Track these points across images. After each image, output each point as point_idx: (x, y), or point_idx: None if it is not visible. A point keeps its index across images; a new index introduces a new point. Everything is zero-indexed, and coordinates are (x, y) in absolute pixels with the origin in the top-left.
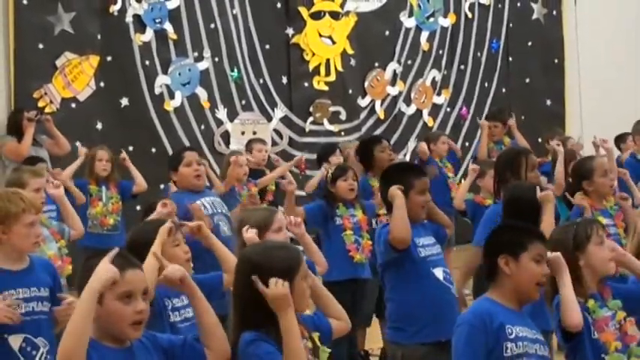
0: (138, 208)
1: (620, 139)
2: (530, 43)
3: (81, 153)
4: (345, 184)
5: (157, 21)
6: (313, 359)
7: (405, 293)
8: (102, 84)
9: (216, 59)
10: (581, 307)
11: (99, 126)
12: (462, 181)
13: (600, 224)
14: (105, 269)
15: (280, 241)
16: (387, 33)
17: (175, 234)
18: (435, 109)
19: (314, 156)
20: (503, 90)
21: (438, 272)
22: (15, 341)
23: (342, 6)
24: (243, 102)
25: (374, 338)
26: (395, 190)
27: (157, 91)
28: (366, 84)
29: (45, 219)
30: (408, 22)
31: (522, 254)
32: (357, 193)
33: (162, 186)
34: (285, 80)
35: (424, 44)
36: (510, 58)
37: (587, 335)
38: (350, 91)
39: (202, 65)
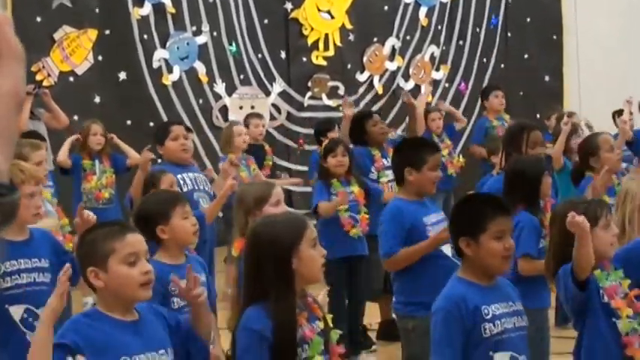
0: None
1: (618, 114)
2: (528, 19)
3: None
4: (334, 161)
5: None
6: (321, 340)
7: (413, 272)
8: (100, 58)
9: (215, 33)
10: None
11: (97, 100)
12: (461, 157)
13: (608, 207)
14: (54, 302)
15: (284, 212)
16: (386, 8)
17: (184, 207)
18: (434, 85)
19: (312, 131)
20: (502, 66)
21: (447, 249)
22: (16, 312)
23: None
24: (242, 76)
25: (372, 314)
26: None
27: (155, 65)
28: (365, 59)
29: (49, 196)
30: None
31: (481, 235)
32: (350, 167)
33: (159, 160)
34: (283, 55)
35: (423, 19)
36: (509, 34)
37: (597, 299)
38: (348, 66)
39: (201, 39)
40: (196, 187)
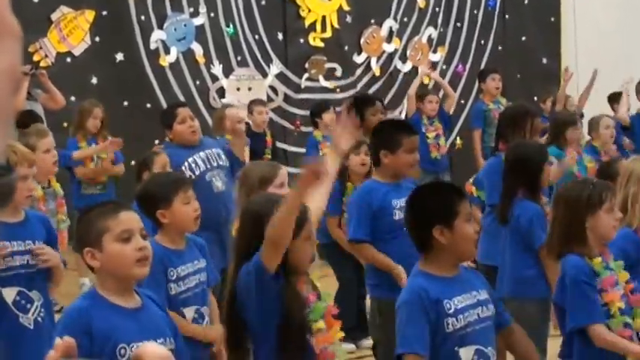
0: (132, 162)
1: (613, 99)
2: (526, 1)
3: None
4: (358, 159)
5: None
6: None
7: (382, 251)
8: (97, 39)
9: (212, 15)
10: (587, 265)
11: (94, 81)
12: (458, 140)
13: (613, 190)
14: None
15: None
16: None
17: (186, 192)
18: (432, 68)
19: (308, 112)
20: (499, 48)
21: None
22: (9, 294)
23: None
24: (239, 58)
25: None
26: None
27: (153, 46)
28: (362, 41)
29: (58, 187)
30: None
31: (455, 221)
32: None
33: (156, 141)
34: (280, 36)
35: (420, 1)
36: (507, 16)
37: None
38: (346, 48)
39: (198, 21)
40: (208, 167)
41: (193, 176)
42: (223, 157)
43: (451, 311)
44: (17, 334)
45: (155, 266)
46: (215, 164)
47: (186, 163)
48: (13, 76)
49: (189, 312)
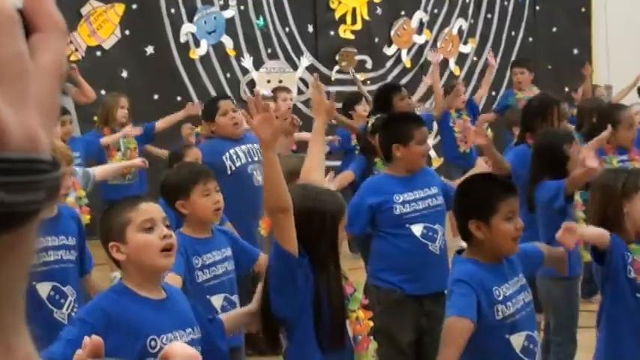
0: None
1: None
2: None
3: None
4: None
5: None
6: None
7: (380, 246)
8: (127, 32)
9: (242, 7)
10: (623, 247)
11: (124, 74)
12: (489, 130)
13: None
14: None
15: (326, 188)
16: None
17: (206, 184)
18: (462, 58)
19: (339, 105)
20: (530, 39)
21: (417, 228)
22: (44, 289)
23: None
24: (269, 50)
25: None
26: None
27: (183, 39)
28: (393, 33)
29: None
30: None
31: (493, 217)
32: None
33: (189, 124)
34: (311, 29)
35: None
36: (537, 7)
37: (623, 273)
38: (376, 40)
39: (228, 13)
40: (250, 160)
41: (234, 167)
42: None
43: (500, 298)
44: (52, 329)
45: (179, 257)
46: (257, 158)
47: (227, 154)
48: (58, 72)
49: (218, 300)
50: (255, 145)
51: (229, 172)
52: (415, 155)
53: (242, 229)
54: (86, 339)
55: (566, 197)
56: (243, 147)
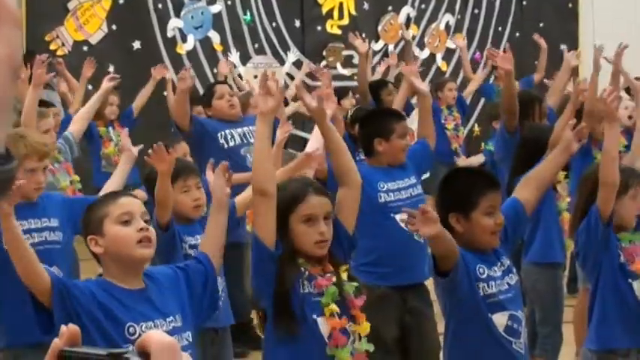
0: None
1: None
2: None
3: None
4: None
5: None
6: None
7: (364, 236)
8: (114, 27)
9: (229, 2)
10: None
11: (111, 69)
12: (475, 128)
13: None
14: None
15: (305, 176)
16: None
17: (186, 180)
18: (449, 54)
19: None
20: (517, 34)
21: (401, 218)
22: None
23: None
24: (256, 45)
25: None
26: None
27: (170, 34)
28: (380, 28)
29: (57, 154)
30: None
31: (473, 211)
32: None
33: (172, 129)
34: (298, 24)
35: None
36: (524, 2)
37: (615, 260)
38: (363, 35)
39: (215, 8)
40: (244, 141)
41: (226, 146)
42: None
43: (484, 276)
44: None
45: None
46: (252, 141)
47: (222, 132)
48: (11, 64)
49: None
50: (252, 127)
51: (222, 149)
52: (396, 149)
53: None
54: (63, 327)
55: None
56: (239, 129)
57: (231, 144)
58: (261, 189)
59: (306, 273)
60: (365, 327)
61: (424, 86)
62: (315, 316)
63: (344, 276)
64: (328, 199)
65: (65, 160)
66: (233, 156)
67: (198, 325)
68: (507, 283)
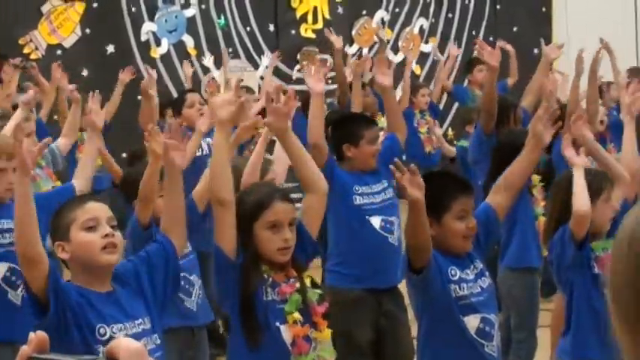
0: (123, 155)
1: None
2: None
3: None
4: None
5: None
6: (299, 297)
7: (339, 239)
8: (88, 31)
9: (203, 6)
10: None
11: (84, 73)
12: (449, 132)
13: (612, 181)
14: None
15: (268, 182)
16: None
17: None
18: (423, 58)
19: (299, 104)
20: (491, 38)
21: (375, 220)
22: None
23: None
24: (230, 49)
25: None
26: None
27: (144, 38)
28: (354, 32)
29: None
30: None
31: (444, 215)
32: None
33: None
34: (272, 28)
35: None
36: (498, 6)
37: (588, 272)
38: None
39: (189, 12)
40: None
41: (194, 156)
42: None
43: (455, 278)
44: (6, 309)
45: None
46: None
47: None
48: None
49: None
50: None
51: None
52: (365, 155)
53: None
54: (31, 334)
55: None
56: (208, 139)
57: (199, 154)
58: (220, 198)
59: (270, 280)
60: (326, 334)
61: (386, 81)
62: (278, 324)
63: (307, 282)
64: (293, 206)
65: (47, 166)
66: (202, 166)
67: (162, 306)
68: (480, 286)
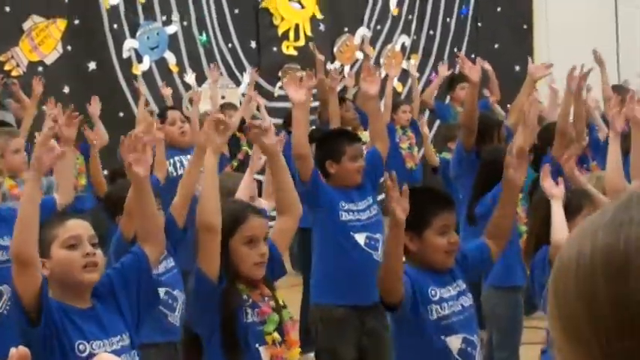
0: (105, 172)
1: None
2: (499, 9)
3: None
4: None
5: None
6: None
7: (324, 254)
8: (69, 47)
9: (185, 23)
10: None
11: (66, 90)
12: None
13: (592, 199)
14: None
15: (239, 199)
16: None
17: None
18: (404, 75)
19: (281, 121)
20: (472, 55)
21: (360, 237)
22: None
23: None
24: (212, 66)
25: None
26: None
27: (125, 55)
28: (336, 49)
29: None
30: None
31: (425, 231)
32: None
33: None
34: (253, 45)
35: (393, 9)
36: (479, 24)
37: None
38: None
39: (171, 29)
40: None
41: (175, 174)
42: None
43: (435, 299)
44: None
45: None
46: (201, 169)
47: (171, 160)
48: None
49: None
50: None
51: (171, 177)
52: (348, 171)
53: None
54: (12, 350)
55: None
56: (189, 157)
57: (181, 171)
58: (208, 224)
59: (250, 300)
60: (295, 353)
61: (372, 89)
62: (257, 345)
63: (280, 300)
64: (267, 221)
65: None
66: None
67: (140, 322)
68: (461, 305)
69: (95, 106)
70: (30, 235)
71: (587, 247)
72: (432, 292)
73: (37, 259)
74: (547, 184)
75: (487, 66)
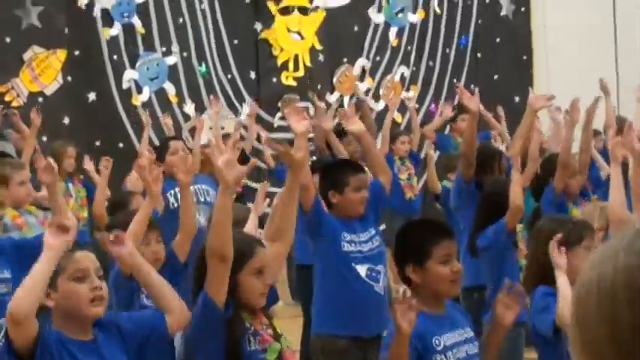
0: (106, 203)
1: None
2: (498, 40)
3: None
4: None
5: (125, 15)
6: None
7: (326, 285)
8: (69, 78)
9: (185, 54)
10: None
11: (66, 121)
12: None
13: (593, 229)
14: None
15: (244, 231)
16: (356, 28)
17: (147, 233)
18: (404, 106)
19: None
20: (472, 86)
21: (362, 268)
22: None
23: (310, 1)
24: (211, 97)
25: None
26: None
27: (125, 85)
28: (335, 80)
29: (33, 208)
30: (377, 18)
31: (427, 261)
32: None
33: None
34: (253, 75)
35: (393, 40)
36: (479, 54)
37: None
38: (318, 87)
39: (170, 60)
40: (196, 199)
41: (176, 204)
42: (212, 194)
43: (440, 348)
44: None
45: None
46: (202, 199)
47: (172, 191)
48: None
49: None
50: (202, 186)
51: (171, 208)
52: (351, 202)
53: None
54: None
55: (509, 232)
56: (190, 188)
57: (175, 205)
58: (221, 254)
59: (252, 328)
60: None
61: (355, 127)
62: None
63: (277, 329)
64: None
65: (44, 218)
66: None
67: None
68: (466, 352)
69: (90, 163)
70: (35, 297)
71: (608, 268)
72: (436, 341)
73: (33, 317)
74: (555, 252)
75: (500, 112)
